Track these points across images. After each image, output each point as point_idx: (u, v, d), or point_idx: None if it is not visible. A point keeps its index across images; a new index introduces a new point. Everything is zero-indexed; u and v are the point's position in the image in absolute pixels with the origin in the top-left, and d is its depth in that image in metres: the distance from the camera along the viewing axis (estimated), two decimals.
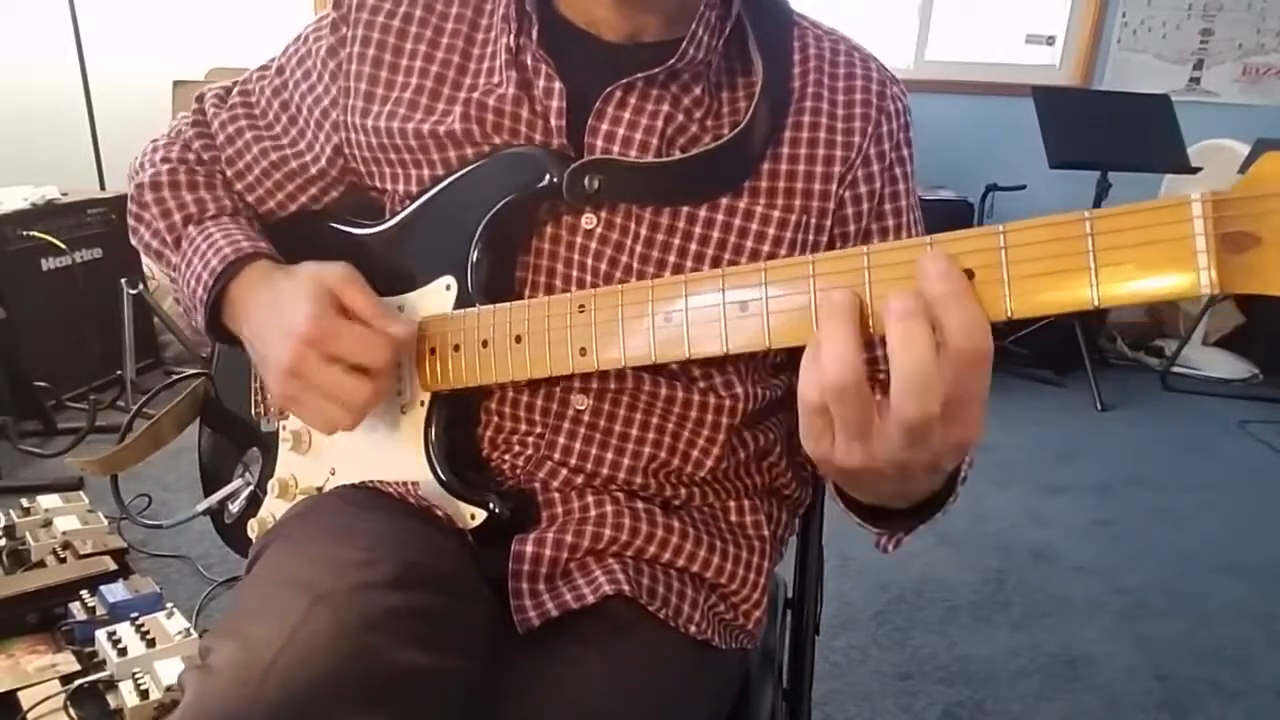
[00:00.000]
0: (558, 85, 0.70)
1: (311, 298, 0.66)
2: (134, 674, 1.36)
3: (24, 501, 1.92)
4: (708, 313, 0.56)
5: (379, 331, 0.66)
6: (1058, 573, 2.10)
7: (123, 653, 1.39)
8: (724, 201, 0.71)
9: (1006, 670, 1.73)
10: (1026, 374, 3.40)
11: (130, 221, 0.85)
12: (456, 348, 0.69)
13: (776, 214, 0.71)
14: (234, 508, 0.86)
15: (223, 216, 0.80)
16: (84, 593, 1.59)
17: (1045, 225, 0.46)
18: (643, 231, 0.70)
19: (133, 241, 0.85)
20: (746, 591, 0.76)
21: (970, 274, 0.47)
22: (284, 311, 0.67)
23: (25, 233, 2.60)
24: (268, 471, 0.83)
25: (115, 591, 1.58)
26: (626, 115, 0.70)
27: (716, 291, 0.56)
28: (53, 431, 2.55)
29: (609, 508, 0.71)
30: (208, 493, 0.90)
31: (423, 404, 0.72)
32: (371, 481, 0.73)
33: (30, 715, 1.32)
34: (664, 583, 0.71)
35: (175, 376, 1.05)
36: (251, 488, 0.85)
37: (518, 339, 0.66)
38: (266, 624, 0.53)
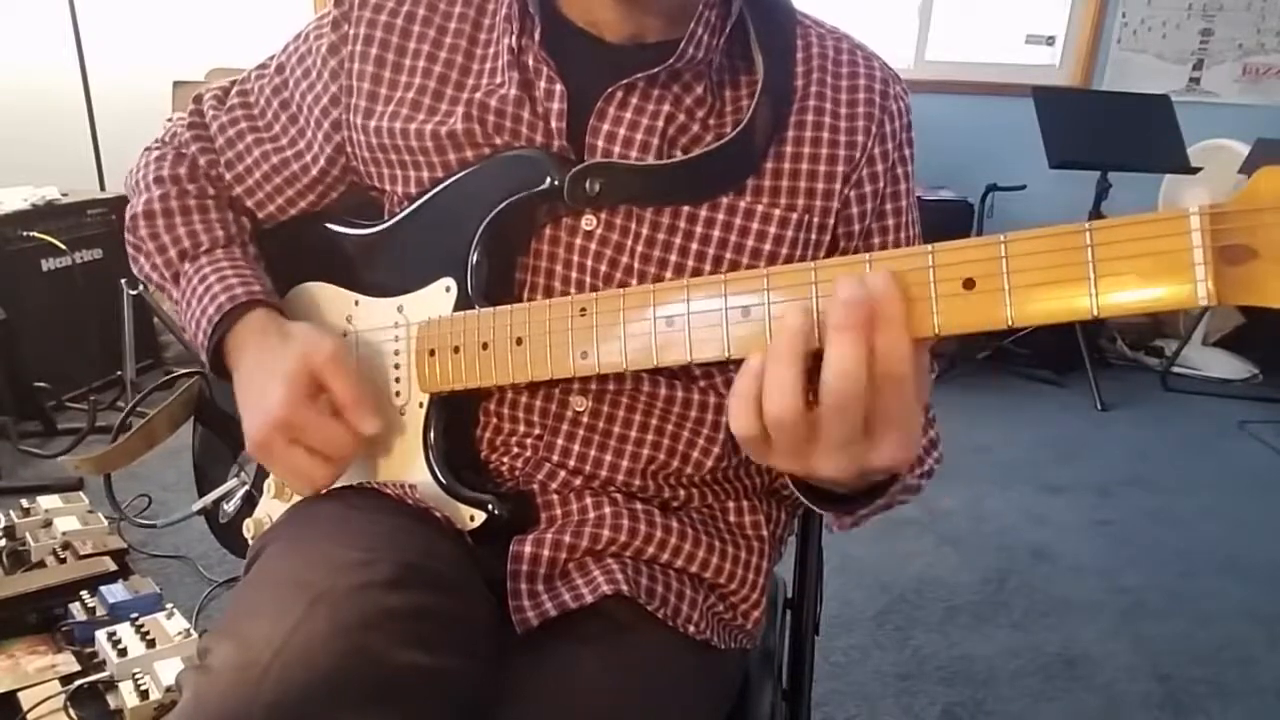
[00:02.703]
0: (558, 87, 0.70)
1: (290, 380, 0.68)
2: (134, 674, 1.37)
3: (24, 502, 1.92)
4: (709, 317, 0.56)
5: (348, 425, 0.69)
6: (1058, 573, 2.10)
7: (123, 653, 1.40)
8: (725, 201, 0.70)
9: (1006, 670, 1.73)
10: (1026, 374, 3.40)
11: (129, 251, 0.85)
12: (456, 349, 0.69)
13: (778, 213, 0.71)
14: (229, 507, 0.86)
15: (216, 250, 0.80)
16: (84, 593, 1.59)
17: (1045, 236, 0.46)
18: (644, 232, 0.70)
19: (134, 271, 0.85)
20: (745, 591, 0.76)
21: (971, 283, 0.47)
22: (264, 385, 0.69)
23: (25, 233, 2.60)
24: (264, 471, 0.83)
25: (115, 592, 1.59)
26: (628, 116, 0.70)
27: (718, 296, 0.56)
28: (53, 432, 2.56)
29: (608, 509, 0.71)
30: (202, 493, 0.90)
31: (421, 406, 0.72)
32: (369, 483, 0.73)
33: (30, 715, 1.32)
34: (663, 583, 0.70)
35: (170, 375, 1.04)
36: (247, 487, 0.85)
37: (518, 341, 0.66)
38: (264, 624, 0.53)
